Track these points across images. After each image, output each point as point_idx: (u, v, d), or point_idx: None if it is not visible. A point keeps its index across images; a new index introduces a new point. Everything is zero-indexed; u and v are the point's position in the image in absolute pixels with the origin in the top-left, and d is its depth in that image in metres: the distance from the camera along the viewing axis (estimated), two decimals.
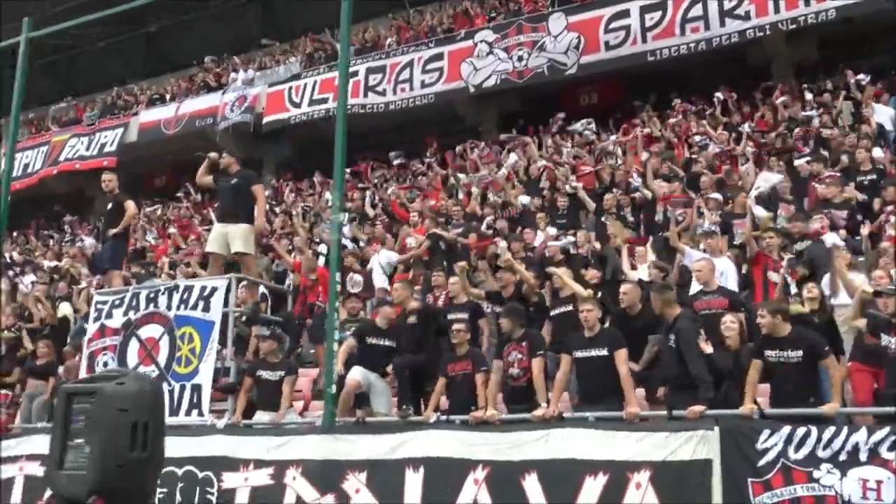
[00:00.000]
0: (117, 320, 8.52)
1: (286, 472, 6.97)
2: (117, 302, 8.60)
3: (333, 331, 7.01)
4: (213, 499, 7.29)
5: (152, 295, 8.44)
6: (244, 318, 8.31)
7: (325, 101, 21.48)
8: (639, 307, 6.83)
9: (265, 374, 7.73)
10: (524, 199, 13.22)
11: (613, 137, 14.96)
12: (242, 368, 7.98)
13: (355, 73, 21.32)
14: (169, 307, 8.25)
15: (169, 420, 7.86)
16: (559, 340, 6.90)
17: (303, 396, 8.78)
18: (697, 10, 17.25)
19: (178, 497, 7.42)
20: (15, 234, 26.03)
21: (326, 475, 6.77)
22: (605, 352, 6.20)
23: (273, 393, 7.62)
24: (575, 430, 6.01)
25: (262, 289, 9.32)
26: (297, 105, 21.77)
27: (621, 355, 6.15)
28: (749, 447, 5.46)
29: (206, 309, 8.00)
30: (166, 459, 7.70)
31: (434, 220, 11.22)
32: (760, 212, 8.48)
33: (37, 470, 8.38)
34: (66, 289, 13.90)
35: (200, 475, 7.41)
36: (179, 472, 7.51)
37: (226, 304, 8.05)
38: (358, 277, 10.18)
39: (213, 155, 9.17)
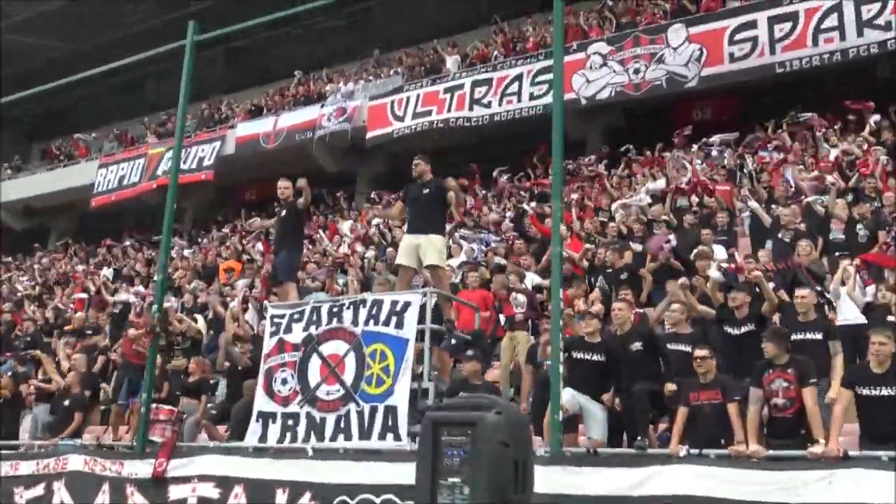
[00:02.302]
0: (297, 335, 8.05)
1: None
2: (296, 316, 8.14)
3: (558, 351, 6.43)
4: None
5: (335, 309, 7.96)
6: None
7: (428, 113, 21.20)
8: None
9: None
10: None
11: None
12: (441, 390, 7.44)
13: (460, 87, 21.06)
14: (355, 322, 7.77)
15: (359, 444, 7.47)
16: None
17: None
18: (832, 21, 16.51)
19: None
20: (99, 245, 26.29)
21: None
22: None
23: None
24: (866, 471, 5.31)
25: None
26: (401, 119, 21.48)
27: None
28: None
29: (399, 325, 7.48)
30: (360, 486, 7.22)
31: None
32: None
33: (210, 492, 7.96)
34: (192, 301, 13.65)
35: None
36: (377, 500, 6.98)
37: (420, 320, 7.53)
38: (521, 298, 9.63)
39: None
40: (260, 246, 18.64)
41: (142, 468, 8.36)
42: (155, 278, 18.02)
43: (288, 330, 8.13)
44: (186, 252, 21.03)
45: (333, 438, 7.55)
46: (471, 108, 20.61)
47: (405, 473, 6.92)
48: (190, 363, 10.07)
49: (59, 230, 30.82)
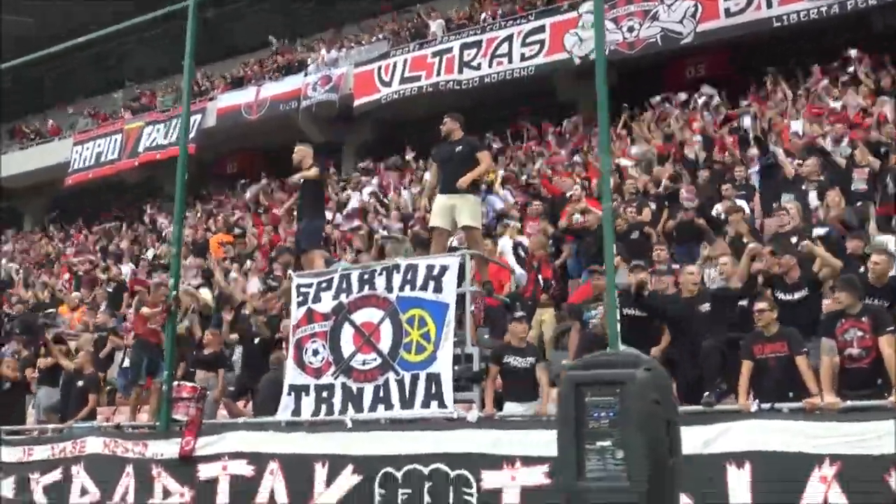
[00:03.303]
0: (326, 304, 7.71)
1: None
2: (324, 284, 7.79)
3: (615, 308, 6.17)
4: (473, 500, 6.50)
5: (366, 276, 7.63)
6: None
7: (417, 78, 20.72)
8: None
9: (514, 360, 6.93)
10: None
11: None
12: (485, 355, 7.17)
13: (449, 50, 20.59)
14: (389, 289, 7.44)
15: (401, 413, 7.20)
16: None
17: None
18: None
19: (428, 498, 6.64)
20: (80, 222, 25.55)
21: None
22: None
23: (524, 381, 6.83)
24: None
25: None
26: (388, 84, 20.98)
27: None
28: None
29: (438, 290, 7.17)
30: (406, 456, 6.95)
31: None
32: None
33: (243, 469, 7.65)
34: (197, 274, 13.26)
35: (453, 474, 6.61)
36: (426, 470, 6.72)
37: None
38: None
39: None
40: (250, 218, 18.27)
41: (167, 448, 8.02)
42: (146, 256, 17.61)
43: (316, 299, 7.80)
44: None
45: (373, 409, 7.27)
46: (460, 71, 20.16)
47: (454, 441, 6.74)
48: (205, 335, 9.71)
49: (33, 211, 29.98)
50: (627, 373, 2.87)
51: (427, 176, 15.74)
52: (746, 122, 14.93)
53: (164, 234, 19.02)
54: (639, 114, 17.27)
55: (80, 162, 25.75)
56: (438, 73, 20.37)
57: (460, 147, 7.70)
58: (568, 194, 11.89)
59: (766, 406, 5.77)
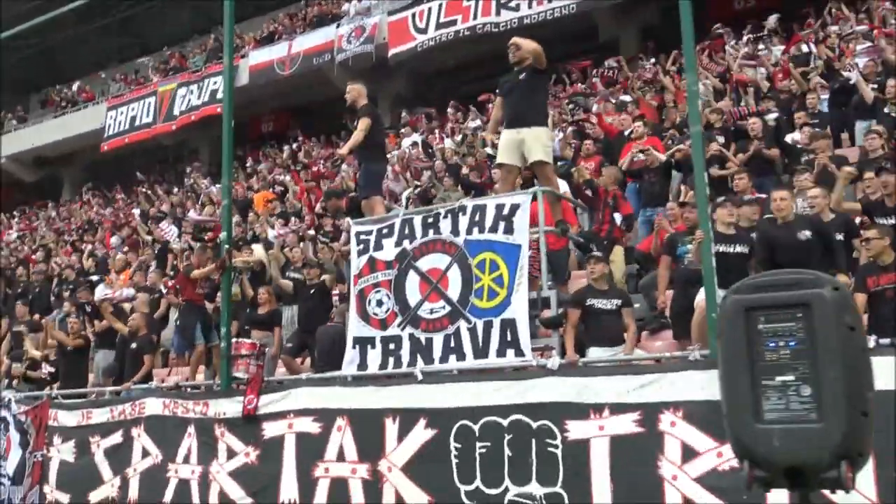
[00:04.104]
0: (389, 252, 7.29)
1: (660, 418, 5.71)
2: (385, 231, 7.36)
3: (710, 242, 5.66)
4: (558, 452, 6.09)
5: (430, 220, 7.17)
6: None
7: (452, 23, 20.02)
8: None
9: (598, 302, 6.47)
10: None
11: None
12: (565, 299, 6.71)
13: None
14: (455, 232, 6.98)
15: (475, 363, 6.78)
16: None
17: None
18: None
19: (508, 451, 6.25)
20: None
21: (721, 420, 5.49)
22: None
23: (610, 325, 6.37)
24: None
25: None
26: (423, 31, 20.30)
27: None
28: None
29: (509, 231, 6.70)
30: (483, 408, 6.52)
31: None
32: None
33: (309, 426, 7.32)
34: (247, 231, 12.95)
35: (535, 425, 6.20)
36: (505, 422, 6.31)
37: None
38: None
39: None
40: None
41: (230, 407, 7.73)
42: (192, 217, 17.33)
43: (378, 247, 7.36)
44: (214, 189, 20.22)
45: (444, 359, 6.85)
46: (498, 13, 19.43)
47: (535, 390, 6.30)
48: (258, 294, 9.39)
49: (72, 178, 29.96)
50: (814, 293, 2.38)
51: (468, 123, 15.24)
52: (806, 49, 14.11)
53: (200, 197, 18.72)
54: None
55: (114, 127, 25.56)
56: (475, 17, 19.66)
57: (524, 74, 7.13)
58: (626, 132, 11.31)
59: (884, 342, 5.24)
